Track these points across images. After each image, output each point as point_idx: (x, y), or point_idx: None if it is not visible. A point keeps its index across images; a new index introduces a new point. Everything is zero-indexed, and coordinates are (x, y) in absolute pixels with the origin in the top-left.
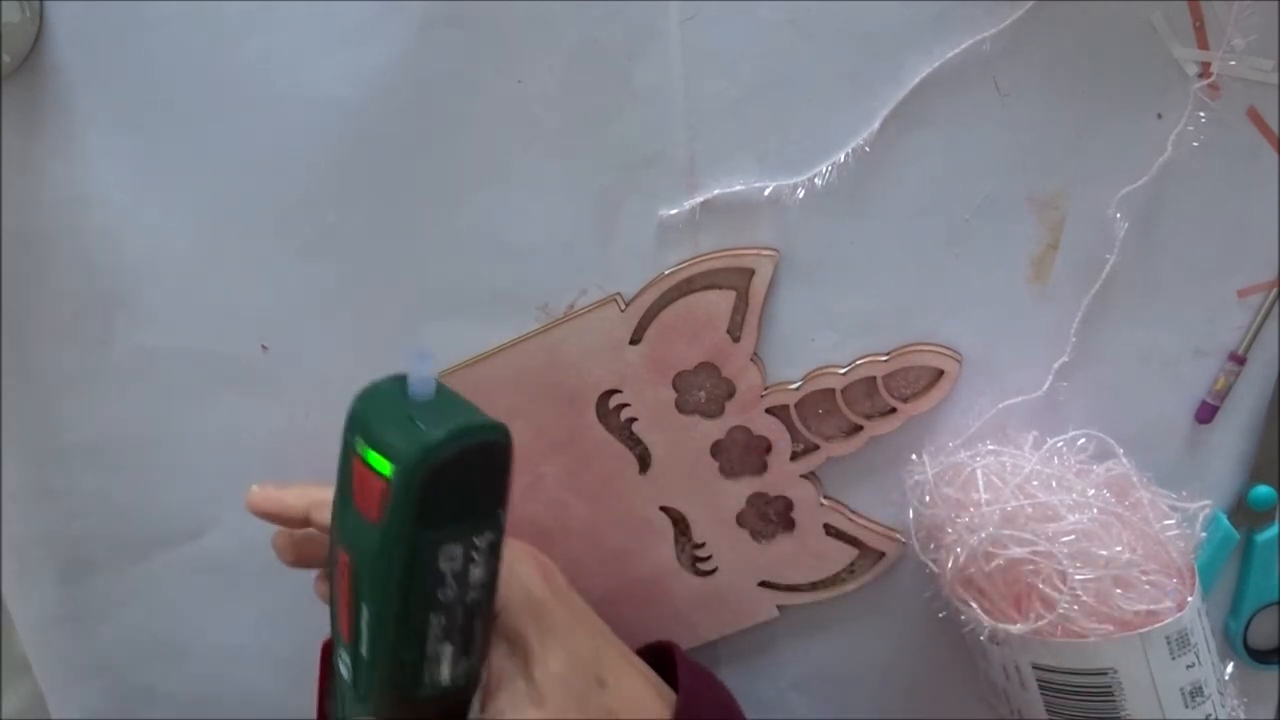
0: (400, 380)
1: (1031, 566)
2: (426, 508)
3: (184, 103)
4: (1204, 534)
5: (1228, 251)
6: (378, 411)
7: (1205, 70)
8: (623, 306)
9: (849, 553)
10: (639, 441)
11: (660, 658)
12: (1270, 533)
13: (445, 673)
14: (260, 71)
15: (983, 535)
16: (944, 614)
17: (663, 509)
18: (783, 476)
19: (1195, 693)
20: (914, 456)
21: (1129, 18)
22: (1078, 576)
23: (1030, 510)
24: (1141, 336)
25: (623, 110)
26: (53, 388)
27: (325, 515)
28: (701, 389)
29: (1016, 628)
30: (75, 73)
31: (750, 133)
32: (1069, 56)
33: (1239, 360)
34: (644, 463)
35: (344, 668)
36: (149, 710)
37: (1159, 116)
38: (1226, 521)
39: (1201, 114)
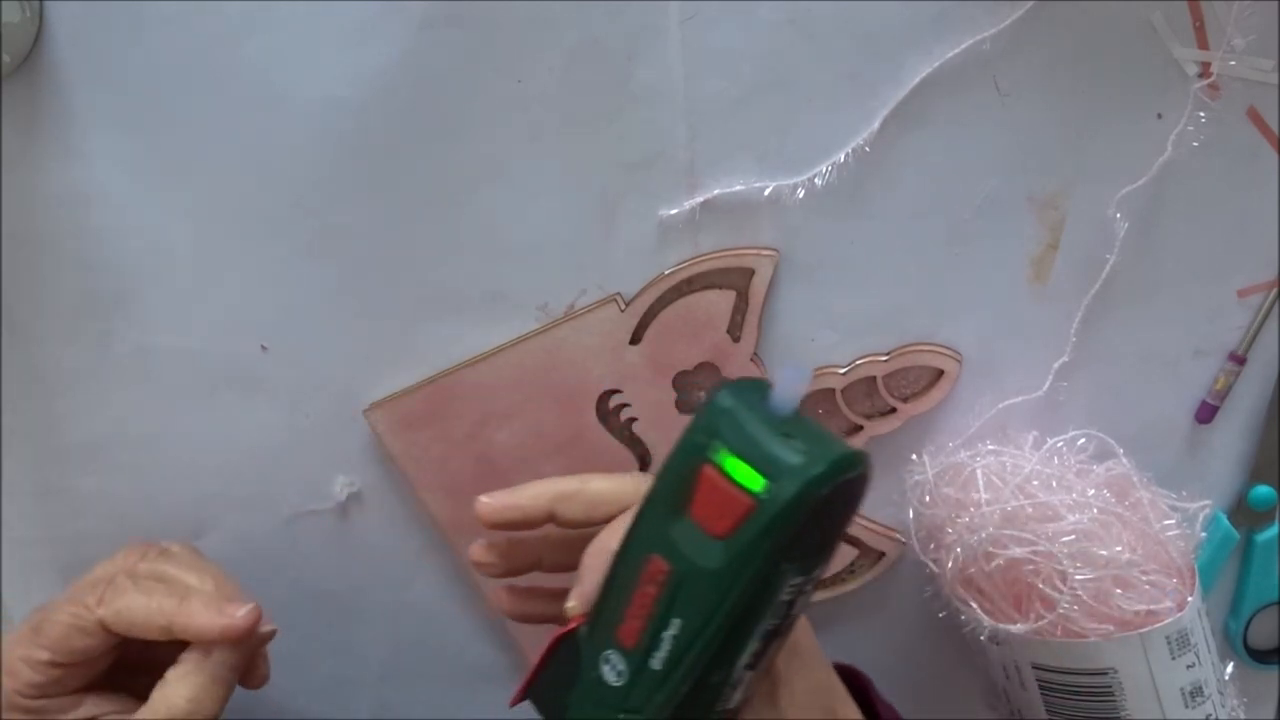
0: (759, 388)
1: (1031, 567)
2: (795, 536)
3: (184, 103)
4: (1204, 534)
5: (1228, 251)
6: (743, 421)
7: (1205, 70)
8: (623, 306)
9: (849, 553)
10: (639, 441)
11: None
12: (1270, 533)
13: (737, 697)
14: (260, 71)
15: (983, 535)
16: (944, 614)
17: None
18: None
19: (1195, 693)
20: (914, 456)
21: (1129, 18)
22: (1078, 576)
23: (1030, 510)
24: (1141, 336)
25: (623, 110)
26: (53, 388)
27: (574, 509)
28: (701, 389)
29: (1017, 628)
30: (75, 73)
31: (750, 133)
32: (1069, 56)
33: (1239, 360)
34: (644, 463)
35: (611, 672)
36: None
37: (1159, 116)
38: (1226, 521)
39: (1201, 114)
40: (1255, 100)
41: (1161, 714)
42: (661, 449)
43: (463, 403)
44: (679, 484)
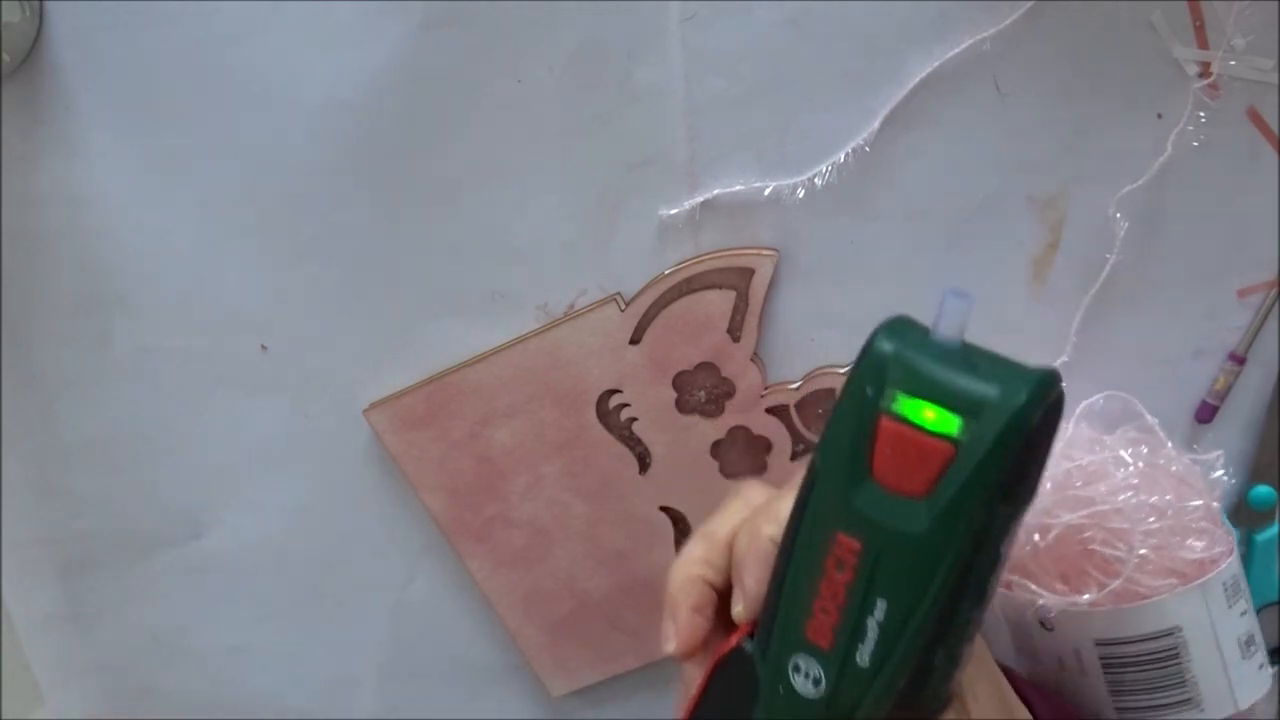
0: (914, 325)
1: (1089, 532)
2: (1007, 476)
3: (184, 103)
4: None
5: (1228, 251)
6: (912, 360)
7: (1205, 70)
8: (623, 306)
9: None
10: (639, 441)
11: None
12: (1270, 533)
13: (956, 678)
14: (260, 71)
15: (1035, 507)
16: None
17: (663, 509)
18: (783, 477)
19: (1249, 641)
20: None
21: (1129, 18)
22: (1140, 530)
23: (1078, 473)
24: (1141, 336)
25: (623, 110)
26: (53, 388)
27: (769, 527)
28: (701, 389)
29: (1084, 598)
30: (75, 73)
31: (750, 133)
32: (1069, 56)
33: (1239, 360)
34: (644, 463)
35: (805, 681)
36: (149, 710)
37: (1159, 116)
38: (1227, 521)
39: (1201, 114)
40: (1255, 100)
41: (1224, 670)
42: (661, 449)
43: (463, 403)
44: (853, 445)
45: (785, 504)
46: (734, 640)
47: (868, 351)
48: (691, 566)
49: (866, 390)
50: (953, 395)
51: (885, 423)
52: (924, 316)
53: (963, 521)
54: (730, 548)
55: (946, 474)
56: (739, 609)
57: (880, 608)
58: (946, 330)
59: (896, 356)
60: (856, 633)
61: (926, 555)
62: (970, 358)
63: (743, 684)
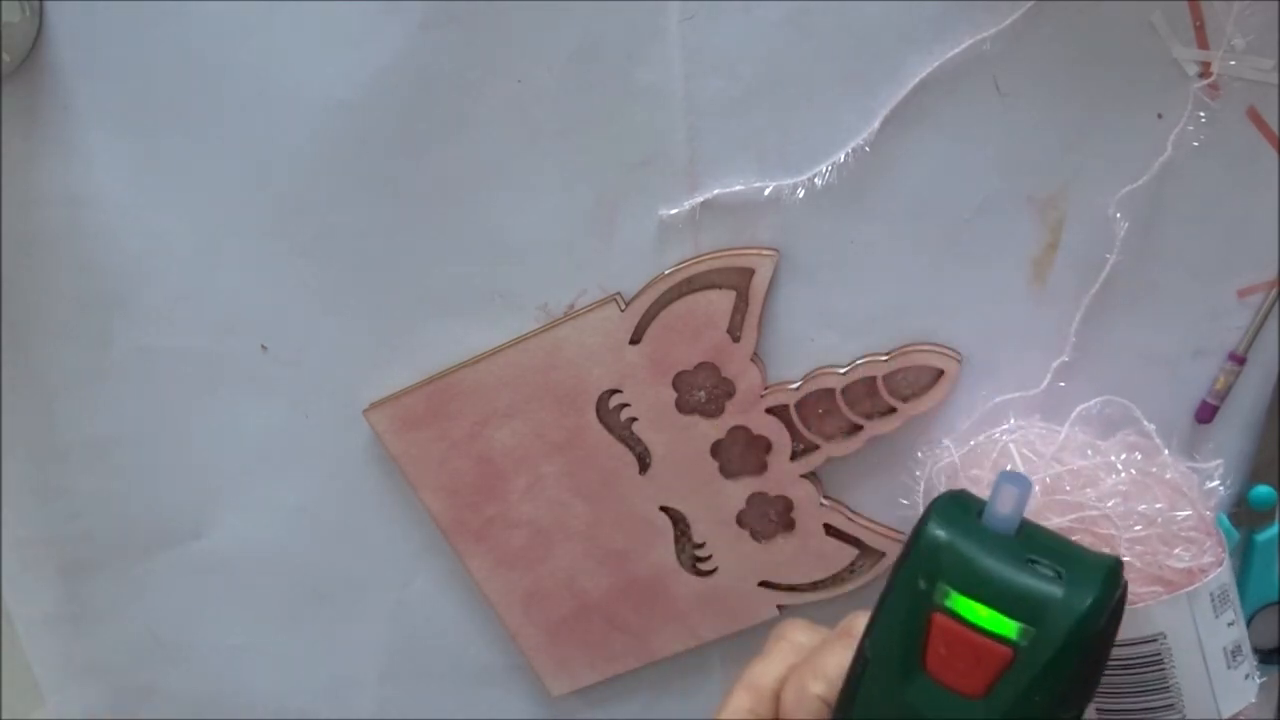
0: (968, 504)
1: (1076, 537)
2: (1074, 682)
3: (184, 103)
4: (1223, 488)
5: (1228, 251)
6: (965, 552)
7: (1205, 70)
8: (623, 306)
9: (849, 553)
10: (639, 441)
11: None
12: (1270, 533)
13: None
14: (260, 71)
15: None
16: None
17: (663, 509)
18: (783, 476)
19: (1236, 652)
20: (943, 441)
21: (1129, 18)
22: (1126, 536)
23: (1069, 477)
24: (1141, 336)
25: (623, 110)
26: (53, 388)
27: (816, 685)
28: (701, 389)
29: None
30: (75, 73)
31: (750, 133)
32: (1069, 56)
33: (1239, 360)
34: (644, 463)
35: None
36: (149, 710)
37: (1159, 116)
38: (1227, 521)
39: (1201, 114)
40: (1255, 100)
41: (1208, 678)
42: (661, 449)
43: (463, 403)
44: (904, 638)
45: (832, 659)
46: None
47: (919, 536)
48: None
49: (919, 582)
50: (1011, 598)
51: (939, 619)
52: (924, 316)
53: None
54: (776, 699)
55: (1004, 677)
56: None
57: None
58: (1000, 517)
59: (950, 547)
60: None
61: None
62: (1029, 543)
63: None
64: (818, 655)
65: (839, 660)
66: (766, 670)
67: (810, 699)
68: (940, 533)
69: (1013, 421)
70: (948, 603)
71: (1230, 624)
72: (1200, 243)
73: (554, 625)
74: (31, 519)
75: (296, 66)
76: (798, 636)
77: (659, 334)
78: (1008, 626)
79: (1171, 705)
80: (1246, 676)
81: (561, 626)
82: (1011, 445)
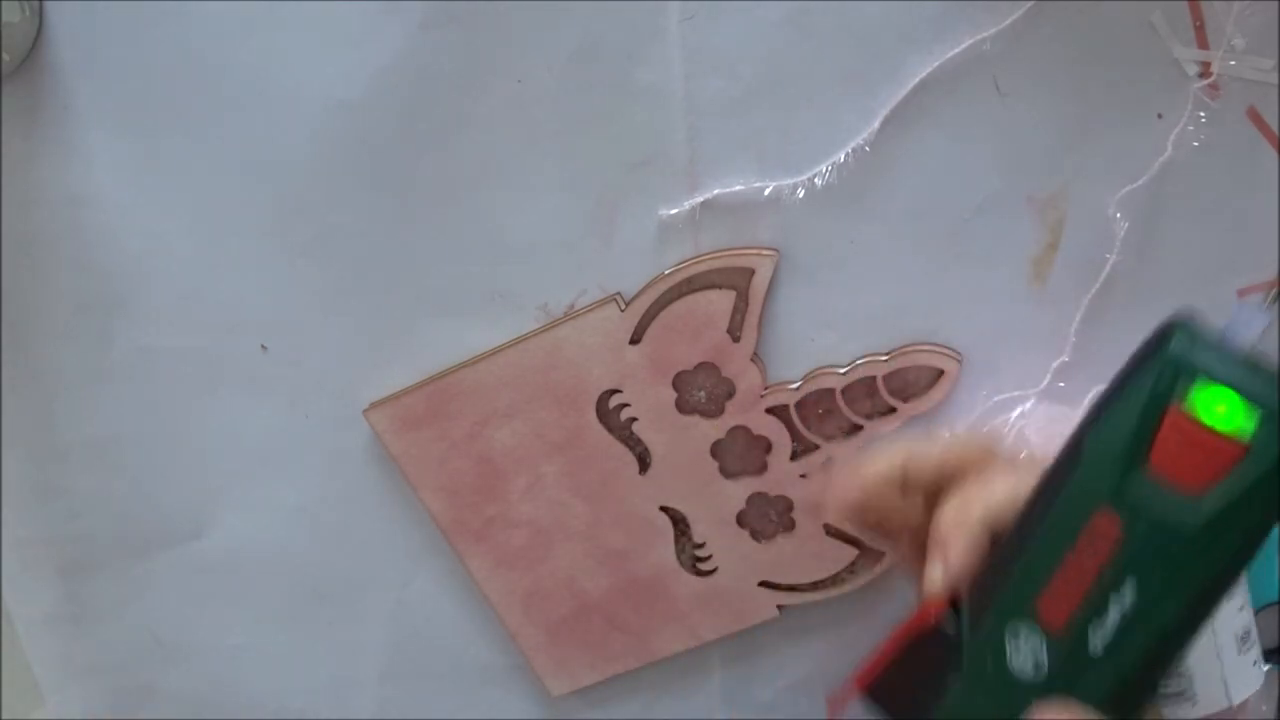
0: (1200, 328)
1: None
2: None
3: (184, 103)
4: None
5: (1228, 251)
6: (1205, 357)
7: (1205, 70)
8: (623, 306)
9: (849, 553)
10: (639, 441)
11: None
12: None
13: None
14: (260, 71)
15: None
16: None
17: (663, 509)
18: (783, 476)
19: (1245, 637)
20: (945, 432)
21: (1129, 18)
22: None
23: None
24: (1141, 336)
25: (623, 110)
26: (53, 388)
27: (981, 510)
28: (701, 389)
29: None
30: (75, 73)
31: (750, 133)
32: (1069, 56)
33: None
34: (644, 463)
35: (1025, 661)
36: (149, 710)
37: (1159, 116)
38: None
39: (1201, 114)
40: (1255, 100)
41: (1220, 663)
42: (661, 449)
43: (463, 403)
44: (1135, 432)
45: (998, 490)
46: (927, 613)
47: (1162, 341)
48: (896, 455)
49: (1158, 379)
50: (1252, 393)
51: (1174, 415)
52: (924, 316)
53: (1240, 524)
54: (938, 466)
55: (1231, 474)
56: (936, 577)
57: (1129, 597)
58: (1236, 336)
59: (1194, 350)
60: (1093, 618)
61: (1194, 553)
62: (1260, 364)
63: (937, 659)
64: (986, 485)
65: (1005, 488)
66: (935, 449)
67: (972, 522)
68: (1184, 338)
69: (1030, 404)
70: (1187, 400)
71: (1241, 609)
72: (1200, 243)
73: (554, 625)
74: (31, 519)
75: (296, 66)
76: (972, 444)
77: (659, 334)
78: (1246, 421)
79: (1183, 692)
80: (1255, 663)
81: (561, 626)
82: (1028, 429)
